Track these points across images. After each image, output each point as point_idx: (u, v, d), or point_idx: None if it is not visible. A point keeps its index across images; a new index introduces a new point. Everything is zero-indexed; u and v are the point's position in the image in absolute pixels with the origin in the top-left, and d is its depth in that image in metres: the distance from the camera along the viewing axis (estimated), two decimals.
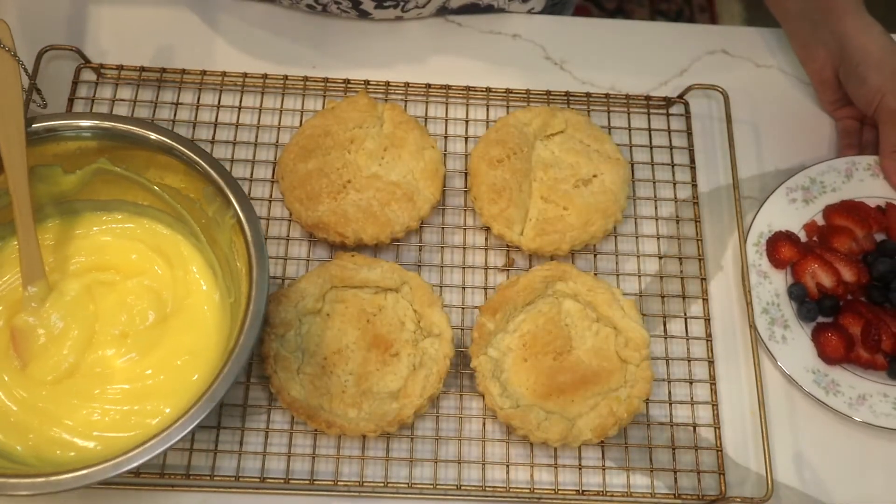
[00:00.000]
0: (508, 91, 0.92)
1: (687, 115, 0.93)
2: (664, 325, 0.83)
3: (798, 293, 0.83)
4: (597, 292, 0.79)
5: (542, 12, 1.01)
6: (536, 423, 0.74)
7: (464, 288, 0.84)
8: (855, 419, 0.79)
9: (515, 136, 0.86)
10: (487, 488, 0.76)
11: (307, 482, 0.75)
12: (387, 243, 0.83)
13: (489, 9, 0.98)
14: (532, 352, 0.78)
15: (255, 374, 0.79)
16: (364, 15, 0.95)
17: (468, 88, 0.92)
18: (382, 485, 0.75)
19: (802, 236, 0.87)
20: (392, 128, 0.86)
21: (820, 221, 0.87)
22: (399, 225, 0.82)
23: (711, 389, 0.81)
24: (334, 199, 0.82)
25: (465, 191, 0.88)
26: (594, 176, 0.85)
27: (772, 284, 0.84)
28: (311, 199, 0.82)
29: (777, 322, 0.83)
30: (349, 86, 0.91)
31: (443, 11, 0.97)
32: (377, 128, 0.86)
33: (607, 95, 0.93)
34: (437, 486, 0.76)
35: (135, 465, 0.60)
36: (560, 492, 0.76)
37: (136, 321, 0.74)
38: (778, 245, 0.85)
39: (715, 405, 0.80)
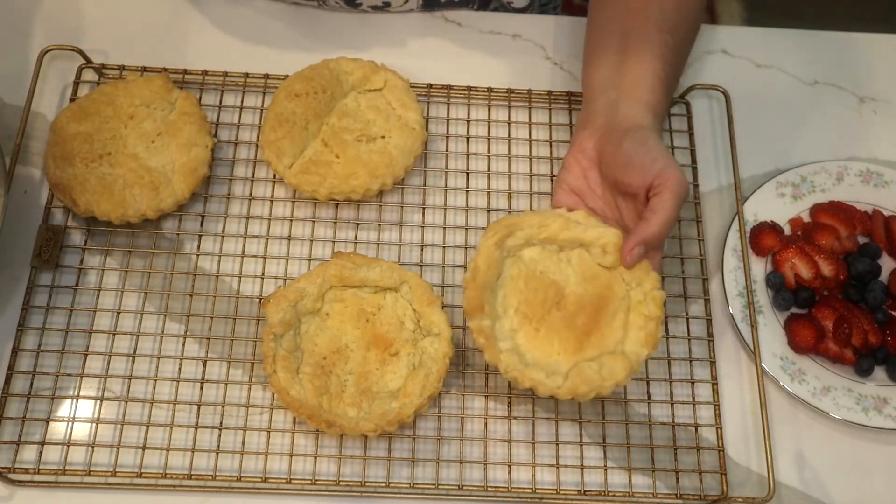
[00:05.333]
0: (510, 91, 0.92)
1: (688, 115, 0.93)
2: (666, 324, 0.83)
3: (775, 281, 0.84)
4: (547, 224, 0.76)
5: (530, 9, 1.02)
6: (599, 376, 0.71)
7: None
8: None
9: (327, 77, 0.87)
10: (489, 488, 0.76)
11: (309, 482, 0.75)
12: (118, 224, 0.82)
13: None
14: (536, 317, 0.75)
15: (255, 374, 0.79)
16: (351, 2, 0.95)
17: (469, 88, 0.92)
18: (384, 485, 0.75)
19: (787, 230, 0.88)
20: (176, 117, 0.86)
21: (806, 218, 0.88)
22: (133, 209, 0.82)
23: (713, 389, 0.81)
24: (86, 166, 0.83)
25: (467, 190, 0.88)
26: (382, 136, 0.86)
27: (751, 270, 0.85)
28: (65, 160, 0.82)
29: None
30: None
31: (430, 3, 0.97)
32: (165, 111, 0.86)
33: None
34: (440, 486, 0.76)
35: None
36: (562, 492, 0.76)
37: None
38: (761, 233, 0.86)
39: (717, 405, 0.80)
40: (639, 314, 0.73)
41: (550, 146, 0.91)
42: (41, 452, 0.75)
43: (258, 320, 0.82)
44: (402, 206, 0.87)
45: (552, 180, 0.89)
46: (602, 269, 0.76)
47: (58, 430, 0.77)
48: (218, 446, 0.76)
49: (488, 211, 0.87)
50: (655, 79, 0.78)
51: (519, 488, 0.76)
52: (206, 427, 0.77)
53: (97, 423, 0.77)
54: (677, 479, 0.77)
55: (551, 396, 0.73)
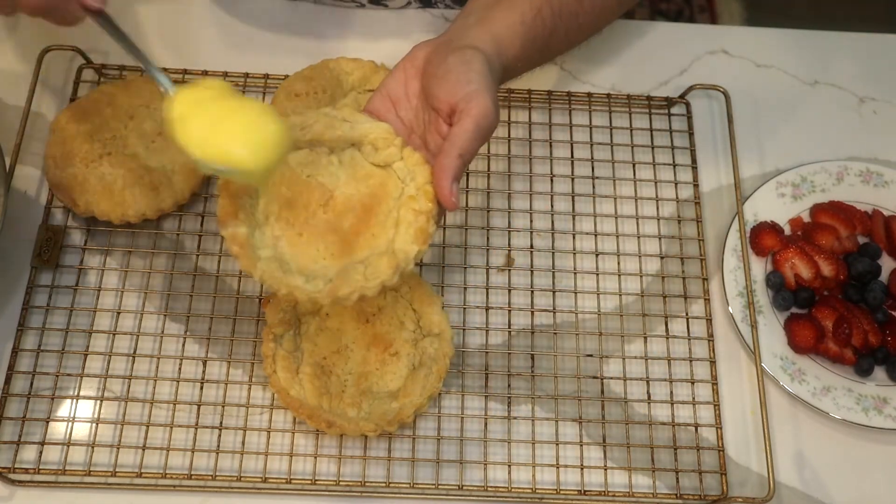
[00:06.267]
0: (510, 91, 0.92)
1: (688, 115, 0.93)
2: (666, 324, 0.83)
3: (775, 281, 0.84)
4: (310, 125, 0.68)
5: None
6: (363, 276, 0.65)
7: (465, 287, 0.84)
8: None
9: (327, 77, 0.87)
10: (489, 488, 0.76)
11: (309, 482, 0.75)
12: (118, 224, 0.82)
13: None
14: (299, 222, 0.67)
15: (255, 374, 0.79)
16: None
17: None
18: (384, 485, 0.75)
19: (787, 230, 0.88)
20: None
21: (806, 218, 0.88)
22: (133, 209, 0.81)
23: (713, 389, 0.81)
24: (86, 166, 0.82)
25: (467, 190, 0.88)
26: None
27: (751, 270, 0.85)
28: (65, 159, 0.82)
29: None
30: None
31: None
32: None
33: (608, 96, 0.93)
34: (439, 487, 0.76)
35: None
36: (562, 492, 0.76)
37: None
38: (761, 233, 0.86)
39: (717, 405, 0.80)
40: (409, 209, 0.68)
41: (550, 147, 0.91)
42: (41, 452, 0.75)
43: (258, 320, 0.82)
44: None
45: (551, 181, 0.89)
46: (376, 167, 0.70)
47: (58, 430, 0.77)
48: (218, 446, 0.76)
49: (487, 210, 0.87)
50: (520, 23, 0.75)
51: (519, 488, 0.76)
52: (206, 427, 0.77)
53: (97, 423, 0.77)
54: (677, 479, 0.77)
55: (314, 302, 0.66)
